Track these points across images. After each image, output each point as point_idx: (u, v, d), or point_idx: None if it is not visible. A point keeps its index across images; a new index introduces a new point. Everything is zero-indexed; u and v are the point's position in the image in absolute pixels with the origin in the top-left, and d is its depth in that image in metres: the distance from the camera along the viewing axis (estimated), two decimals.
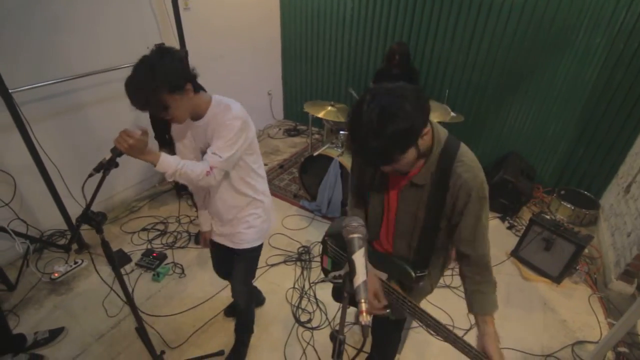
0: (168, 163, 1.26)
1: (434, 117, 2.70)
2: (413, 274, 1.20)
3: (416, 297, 1.31)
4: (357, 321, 2.16)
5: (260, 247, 1.69)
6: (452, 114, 3.02)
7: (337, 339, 0.78)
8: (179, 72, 1.22)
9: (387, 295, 1.23)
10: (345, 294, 0.83)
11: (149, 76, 1.16)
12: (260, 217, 1.60)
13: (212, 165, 1.30)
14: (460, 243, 1.10)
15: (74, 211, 2.53)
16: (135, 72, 1.18)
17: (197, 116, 1.36)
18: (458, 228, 1.08)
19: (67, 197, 2.51)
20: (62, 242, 2.68)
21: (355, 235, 0.85)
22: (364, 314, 0.75)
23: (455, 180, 1.02)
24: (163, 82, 1.17)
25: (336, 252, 1.47)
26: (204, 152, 1.37)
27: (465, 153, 1.05)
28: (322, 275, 2.48)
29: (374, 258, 1.26)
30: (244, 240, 1.61)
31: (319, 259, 2.66)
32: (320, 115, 3.09)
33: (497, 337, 1.07)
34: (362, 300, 0.77)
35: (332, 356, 0.78)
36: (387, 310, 1.24)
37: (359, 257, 0.82)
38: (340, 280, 1.41)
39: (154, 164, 1.26)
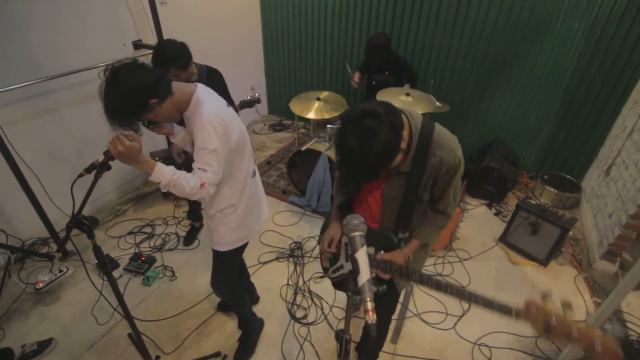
0: (163, 173, 1.23)
1: (419, 108, 2.69)
2: (395, 238, 1.30)
3: (414, 265, 1.38)
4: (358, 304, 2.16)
5: (230, 253, 1.62)
6: (438, 103, 3.02)
7: (343, 338, 0.77)
8: (132, 102, 1.18)
9: (388, 270, 1.27)
10: (349, 292, 0.82)
11: (110, 111, 1.17)
12: (227, 225, 1.54)
13: (202, 181, 1.28)
14: (437, 204, 1.27)
15: (55, 218, 2.43)
16: (103, 99, 1.17)
17: (183, 110, 1.32)
18: (437, 195, 1.24)
19: (47, 203, 2.40)
20: (45, 250, 2.58)
21: (357, 234, 0.84)
22: (370, 312, 0.74)
23: (434, 161, 1.13)
24: (122, 115, 1.18)
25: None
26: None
27: (440, 133, 1.15)
28: (317, 271, 2.49)
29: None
30: (214, 241, 1.60)
31: (311, 253, 2.65)
32: (308, 115, 3.00)
33: (405, 254, 1.29)
34: (368, 299, 0.76)
35: (339, 357, 0.77)
36: (381, 288, 1.32)
37: (362, 255, 0.81)
38: (341, 272, 1.48)
39: (148, 174, 1.23)
